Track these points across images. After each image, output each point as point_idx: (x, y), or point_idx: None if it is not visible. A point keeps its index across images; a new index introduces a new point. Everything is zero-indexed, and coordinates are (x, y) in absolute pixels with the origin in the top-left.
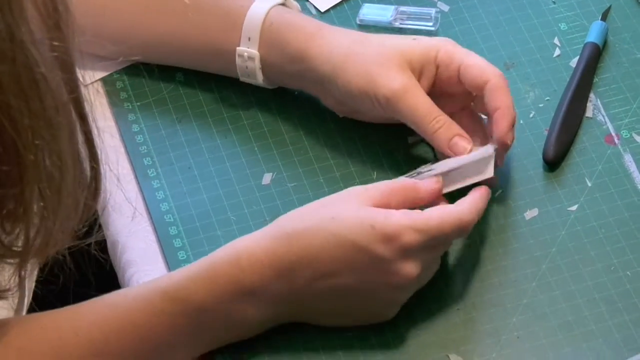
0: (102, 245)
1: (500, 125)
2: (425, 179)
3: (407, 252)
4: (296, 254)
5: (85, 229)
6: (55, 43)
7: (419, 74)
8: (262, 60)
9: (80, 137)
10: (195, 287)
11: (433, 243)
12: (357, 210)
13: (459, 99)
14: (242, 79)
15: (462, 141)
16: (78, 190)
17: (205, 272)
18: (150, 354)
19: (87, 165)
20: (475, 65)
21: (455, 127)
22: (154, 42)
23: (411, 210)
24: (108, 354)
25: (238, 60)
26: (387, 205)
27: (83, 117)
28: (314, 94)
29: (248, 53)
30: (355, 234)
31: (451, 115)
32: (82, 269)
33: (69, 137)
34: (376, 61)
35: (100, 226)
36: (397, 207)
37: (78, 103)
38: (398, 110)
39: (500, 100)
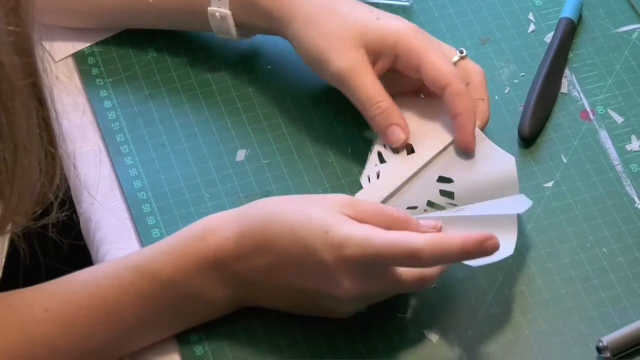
0: (61, 226)
1: (462, 132)
2: (426, 221)
3: (348, 265)
4: (257, 240)
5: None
6: (11, 28)
7: (375, 56)
8: (234, 18)
9: (38, 121)
10: (164, 261)
11: (376, 263)
12: (324, 213)
13: (420, 82)
14: (218, 35)
15: (397, 130)
16: (34, 175)
17: (174, 247)
18: (121, 329)
19: (45, 149)
20: (434, 66)
21: (394, 116)
22: (128, 4)
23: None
24: (78, 329)
25: (211, 19)
26: (365, 222)
27: (41, 102)
28: None
29: (220, 13)
30: (310, 234)
31: (413, 94)
32: (48, 247)
33: (25, 121)
34: (333, 35)
35: (58, 207)
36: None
37: (36, 87)
38: (343, 89)
39: (461, 106)
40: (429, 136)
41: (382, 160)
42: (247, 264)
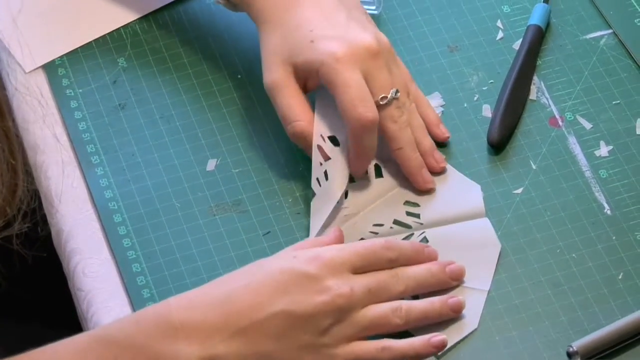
0: (25, 238)
1: (354, 166)
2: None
3: (334, 267)
4: (230, 289)
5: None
6: None
7: (305, 76)
8: None
9: None
10: (121, 325)
11: (360, 260)
12: (285, 250)
13: None
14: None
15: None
16: None
17: (133, 314)
18: None
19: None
20: (340, 103)
21: (308, 138)
22: None
23: None
24: None
25: None
26: None
27: (2, 114)
28: None
29: None
30: (281, 261)
31: None
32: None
33: None
34: (274, 47)
35: (21, 218)
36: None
37: None
38: (271, 101)
39: (355, 146)
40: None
41: (351, 179)
42: (221, 315)
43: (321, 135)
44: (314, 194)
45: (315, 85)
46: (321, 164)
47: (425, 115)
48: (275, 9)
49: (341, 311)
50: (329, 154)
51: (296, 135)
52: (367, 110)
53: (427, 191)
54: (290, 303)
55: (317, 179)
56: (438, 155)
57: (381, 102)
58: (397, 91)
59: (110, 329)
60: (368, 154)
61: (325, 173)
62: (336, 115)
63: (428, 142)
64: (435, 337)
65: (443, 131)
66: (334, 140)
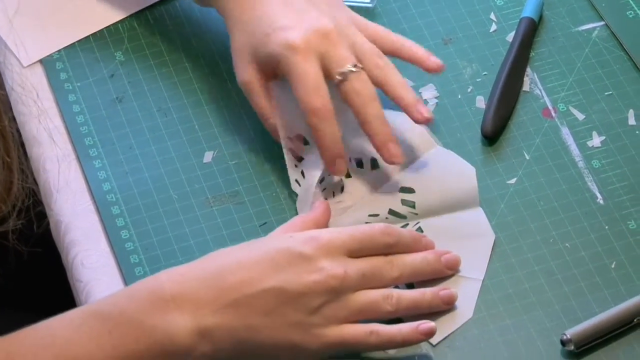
0: (19, 234)
1: (326, 162)
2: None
3: (330, 249)
4: (223, 264)
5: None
6: None
7: (270, 70)
8: None
9: None
10: (113, 299)
11: (357, 244)
12: (277, 230)
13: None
14: None
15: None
16: None
17: (125, 289)
18: None
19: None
20: (296, 96)
21: (280, 133)
22: None
23: None
24: None
25: None
26: None
27: None
28: None
29: None
30: (276, 241)
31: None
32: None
33: None
34: (240, 45)
35: (16, 215)
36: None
37: None
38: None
39: (316, 138)
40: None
41: (347, 175)
42: (213, 288)
43: (288, 138)
44: (296, 195)
45: (283, 75)
46: (296, 165)
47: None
48: (238, 3)
49: (333, 292)
50: (301, 154)
51: (272, 131)
52: (316, 98)
53: (395, 164)
54: (282, 280)
55: (296, 180)
56: (423, 108)
57: (339, 78)
58: (355, 65)
59: (103, 303)
60: (332, 144)
61: (302, 173)
62: (297, 113)
63: (411, 96)
64: (424, 324)
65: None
66: (303, 139)
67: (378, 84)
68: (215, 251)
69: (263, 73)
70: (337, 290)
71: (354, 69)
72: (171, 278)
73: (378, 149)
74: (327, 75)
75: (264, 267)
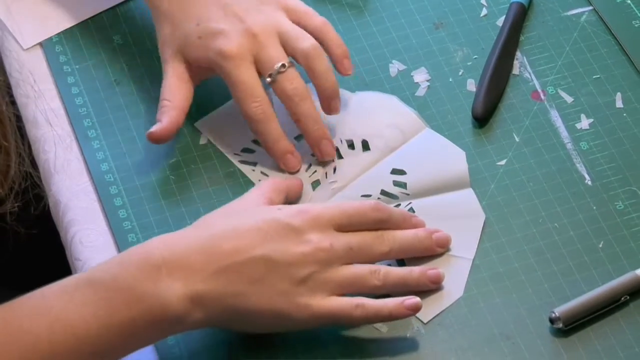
0: (17, 216)
1: (278, 160)
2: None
3: (319, 223)
4: (213, 233)
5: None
6: None
7: (196, 71)
8: None
9: None
10: (106, 267)
11: (347, 219)
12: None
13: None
14: None
15: (154, 126)
16: None
17: (117, 256)
18: (68, 338)
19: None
20: (236, 102)
21: (164, 114)
22: None
23: None
24: (23, 338)
25: None
26: None
27: None
28: None
29: None
30: (266, 212)
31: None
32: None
33: None
34: (164, 38)
35: (13, 197)
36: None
37: None
38: None
39: (263, 142)
40: (385, 136)
41: (339, 156)
42: (205, 255)
43: (235, 154)
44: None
45: (207, 76)
46: (253, 170)
47: (331, 52)
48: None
49: (319, 264)
50: (254, 160)
51: (160, 115)
52: (253, 105)
53: (327, 160)
54: (270, 250)
55: (259, 180)
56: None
57: (269, 80)
58: (282, 64)
59: (96, 271)
60: (276, 143)
61: (263, 172)
62: (234, 130)
63: (330, 85)
64: (409, 299)
65: (346, 67)
66: (248, 149)
67: (307, 70)
68: (207, 215)
69: (187, 68)
70: (324, 262)
71: (281, 70)
72: (162, 244)
73: (312, 147)
74: (263, 74)
75: (253, 235)
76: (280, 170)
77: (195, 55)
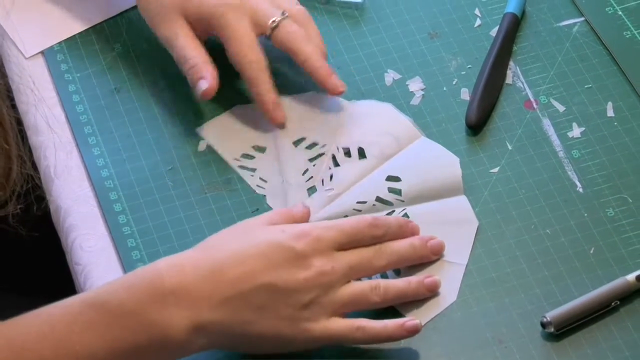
0: (19, 219)
1: (268, 113)
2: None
3: (320, 245)
4: (219, 258)
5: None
6: None
7: (196, 25)
8: None
9: None
10: (112, 290)
11: (346, 238)
12: (260, 219)
13: None
14: None
15: (203, 83)
16: None
17: (123, 278)
18: (70, 358)
19: None
20: (231, 54)
21: (203, 70)
22: None
23: None
24: (25, 352)
25: None
26: None
27: None
28: None
29: None
30: (269, 234)
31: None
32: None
33: None
34: (158, 4)
35: (15, 199)
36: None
37: None
38: (170, 51)
39: (255, 89)
40: (381, 143)
41: (336, 163)
42: (211, 283)
43: (235, 159)
44: (264, 196)
45: (205, 34)
46: (252, 175)
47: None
48: None
49: (322, 288)
50: (253, 166)
51: (193, 70)
52: (253, 52)
53: (339, 94)
54: (274, 277)
55: (257, 185)
56: (337, 79)
57: (273, 26)
58: (283, 12)
59: (102, 293)
60: (269, 92)
61: (261, 178)
62: (237, 137)
63: (322, 49)
64: (409, 321)
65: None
66: (248, 155)
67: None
68: (212, 237)
69: (192, 24)
70: (326, 286)
71: (283, 16)
72: (170, 270)
73: (321, 84)
74: (259, 31)
75: (258, 262)
76: (278, 174)
77: (195, 9)
